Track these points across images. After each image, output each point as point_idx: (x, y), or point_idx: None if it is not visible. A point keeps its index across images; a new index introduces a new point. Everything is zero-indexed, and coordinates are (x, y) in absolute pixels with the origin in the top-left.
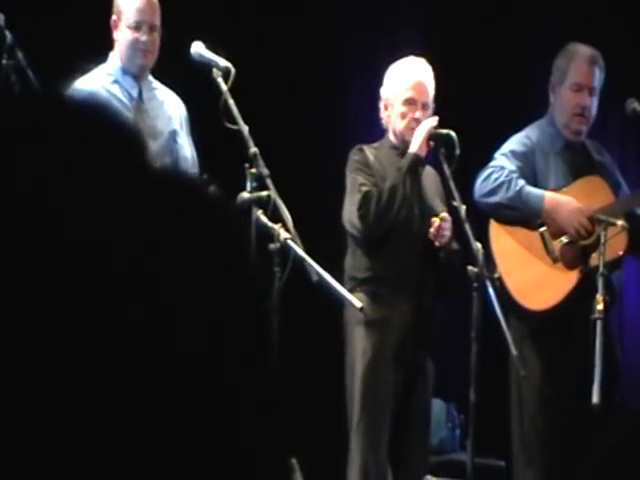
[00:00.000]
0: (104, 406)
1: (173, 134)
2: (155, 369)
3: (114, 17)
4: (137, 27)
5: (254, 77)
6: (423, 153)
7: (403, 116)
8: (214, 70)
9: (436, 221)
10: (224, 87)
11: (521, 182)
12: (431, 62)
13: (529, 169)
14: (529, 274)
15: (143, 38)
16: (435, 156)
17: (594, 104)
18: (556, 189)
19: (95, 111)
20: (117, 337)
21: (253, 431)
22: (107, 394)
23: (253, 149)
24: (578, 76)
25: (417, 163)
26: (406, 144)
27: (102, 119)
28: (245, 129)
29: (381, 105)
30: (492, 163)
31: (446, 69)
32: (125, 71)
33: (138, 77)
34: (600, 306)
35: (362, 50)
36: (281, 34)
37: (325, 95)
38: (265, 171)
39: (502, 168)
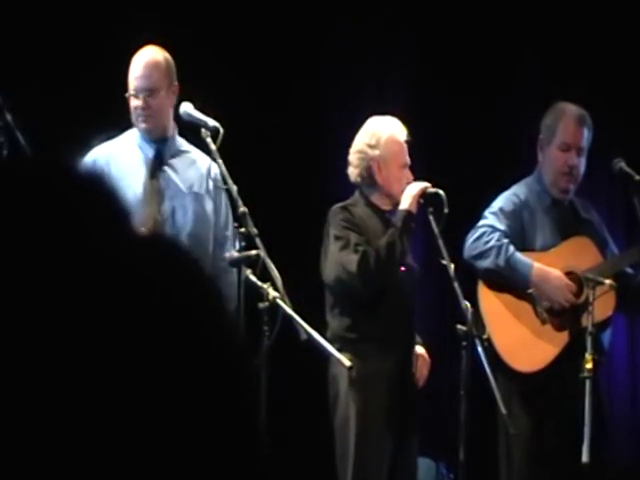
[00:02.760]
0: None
1: (192, 195)
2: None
3: None
4: (135, 95)
5: (243, 137)
6: (414, 210)
7: (400, 179)
8: (203, 130)
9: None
10: (213, 147)
11: (511, 249)
12: (420, 119)
13: (517, 227)
14: (518, 335)
15: (138, 104)
16: (424, 214)
17: (582, 163)
18: (544, 248)
19: (85, 179)
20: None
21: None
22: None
23: (242, 208)
24: (566, 136)
25: (410, 220)
26: (394, 203)
27: (90, 187)
28: (234, 189)
29: (368, 164)
30: (483, 222)
31: (434, 127)
32: (142, 136)
33: (154, 140)
34: (589, 365)
35: (350, 109)
36: (269, 94)
37: (314, 154)
38: (254, 230)
39: (493, 230)
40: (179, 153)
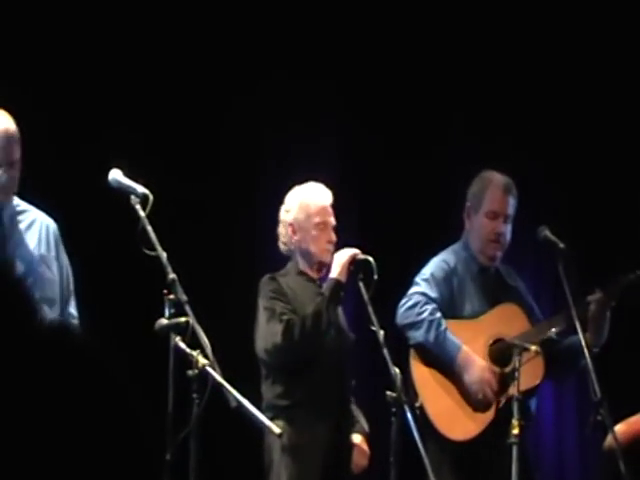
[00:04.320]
0: None
1: (37, 257)
2: None
3: None
4: None
5: (172, 204)
6: (344, 279)
7: (318, 239)
8: (132, 197)
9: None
10: (142, 214)
11: (443, 326)
12: (350, 185)
13: (448, 294)
14: (450, 403)
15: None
16: (354, 281)
17: (508, 230)
18: (472, 315)
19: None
20: None
21: None
22: None
23: (171, 275)
24: (493, 204)
25: (339, 288)
26: (321, 265)
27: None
28: (163, 255)
29: (286, 230)
30: (415, 289)
31: (363, 193)
32: None
33: None
34: (516, 431)
35: (284, 177)
36: (201, 161)
37: (244, 223)
38: (183, 297)
39: (427, 301)
40: (17, 215)
